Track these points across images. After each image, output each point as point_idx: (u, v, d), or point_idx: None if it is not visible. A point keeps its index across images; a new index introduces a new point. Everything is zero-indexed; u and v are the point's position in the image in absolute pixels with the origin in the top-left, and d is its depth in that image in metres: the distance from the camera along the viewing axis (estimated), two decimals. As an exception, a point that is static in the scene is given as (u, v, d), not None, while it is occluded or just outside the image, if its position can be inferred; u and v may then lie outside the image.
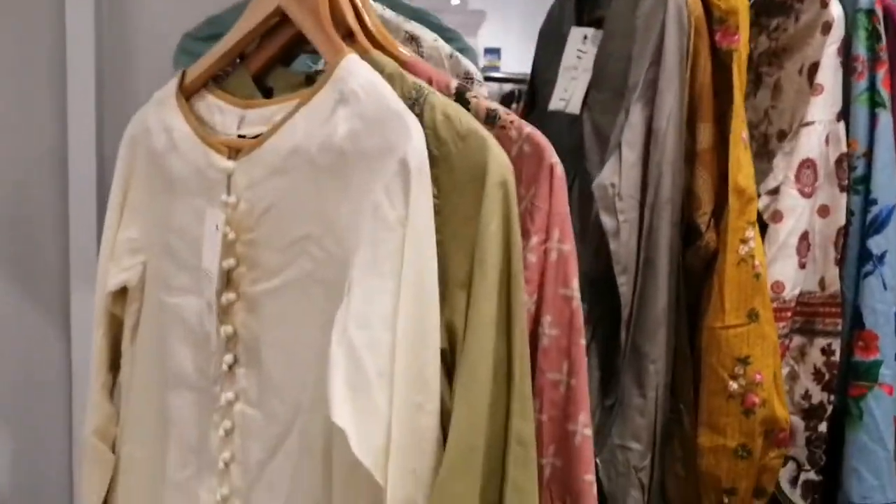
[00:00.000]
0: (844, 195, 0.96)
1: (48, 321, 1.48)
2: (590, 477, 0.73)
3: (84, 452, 1.00)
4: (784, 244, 0.96)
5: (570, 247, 0.73)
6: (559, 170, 0.72)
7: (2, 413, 1.46)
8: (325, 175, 0.72)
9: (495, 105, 0.75)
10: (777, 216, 0.97)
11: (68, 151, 1.43)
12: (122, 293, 0.97)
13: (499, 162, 0.67)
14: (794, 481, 1.00)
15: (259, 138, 0.80)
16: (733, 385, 0.92)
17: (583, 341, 0.73)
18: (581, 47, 1.17)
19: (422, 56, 0.93)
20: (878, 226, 0.95)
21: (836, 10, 0.98)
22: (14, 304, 1.45)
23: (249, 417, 0.83)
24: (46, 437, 1.50)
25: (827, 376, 0.96)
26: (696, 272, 0.96)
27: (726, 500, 0.94)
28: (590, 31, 1.13)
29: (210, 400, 0.87)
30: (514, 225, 0.67)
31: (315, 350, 0.75)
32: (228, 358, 0.84)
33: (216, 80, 0.91)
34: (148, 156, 0.94)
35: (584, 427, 0.73)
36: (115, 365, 1.00)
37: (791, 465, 0.98)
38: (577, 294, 0.73)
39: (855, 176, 0.97)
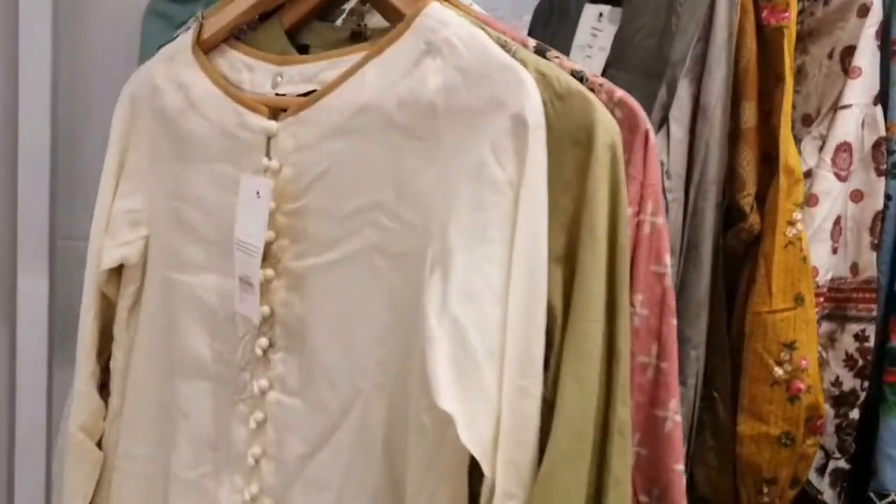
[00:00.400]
0: (882, 179, 0.95)
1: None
2: (680, 467, 0.68)
3: (67, 449, 0.89)
4: (819, 228, 0.95)
5: (662, 220, 0.68)
6: (653, 137, 0.67)
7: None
8: (404, 135, 0.65)
9: (579, 65, 0.69)
10: (812, 199, 0.95)
11: (18, 123, 1.29)
12: (116, 271, 0.87)
13: (606, 124, 0.61)
14: (821, 470, 0.98)
15: (311, 96, 0.71)
16: (778, 371, 0.89)
17: (674, 321, 0.68)
18: (596, 25, 1.13)
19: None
20: (916, 210, 0.94)
21: (873, -7, 0.96)
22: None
23: (287, 408, 0.74)
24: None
25: (860, 363, 0.95)
26: (735, 255, 0.94)
27: (765, 490, 0.91)
28: (605, 8, 1.09)
29: (233, 390, 0.78)
30: (622, 193, 0.61)
31: (380, 330, 0.68)
32: (263, 342, 0.75)
33: (237, 35, 0.82)
34: (154, 117, 0.84)
35: (674, 413, 0.68)
36: (100, 353, 0.91)
37: (819, 454, 0.97)
38: (668, 271, 0.68)
39: (893, 160, 0.96)
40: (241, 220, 0.74)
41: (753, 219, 0.92)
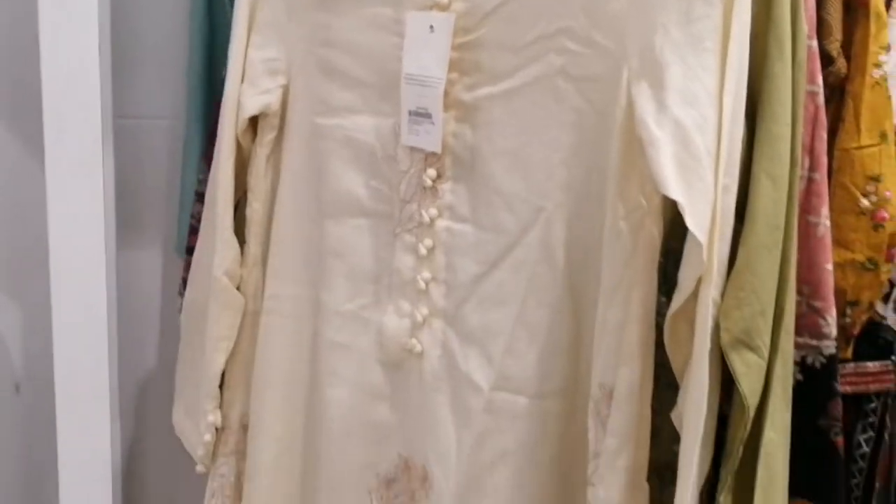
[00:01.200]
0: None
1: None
2: (830, 266, 0.77)
3: (212, 296, 0.93)
4: (890, 74, 1.02)
5: (815, 43, 0.74)
6: (810, -35, 0.73)
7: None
8: (595, -39, 0.69)
9: None
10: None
11: None
12: (252, 122, 0.90)
13: (787, -53, 0.67)
14: (885, 298, 1.08)
15: (483, -68, 0.75)
16: (864, 202, 0.97)
17: (824, 135, 0.76)
18: None
19: None
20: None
21: None
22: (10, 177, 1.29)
23: (456, 233, 0.80)
24: (46, 314, 1.37)
25: (927, 197, 1.05)
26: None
27: (848, 312, 1.01)
28: None
29: (395, 222, 0.83)
30: (801, 12, 0.68)
31: (564, 152, 0.74)
32: (431, 172, 0.80)
33: None
34: (288, -33, 0.86)
35: (825, 219, 0.76)
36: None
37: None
38: (821, 90, 0.75)
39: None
40: (412, 55, 0.78)
41: (840, 63, 0.99)
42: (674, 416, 0.72)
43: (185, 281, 1.22)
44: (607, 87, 0.70)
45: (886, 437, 1.01)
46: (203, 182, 1.18)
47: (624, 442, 0.70)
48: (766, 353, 0.67)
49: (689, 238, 0.65)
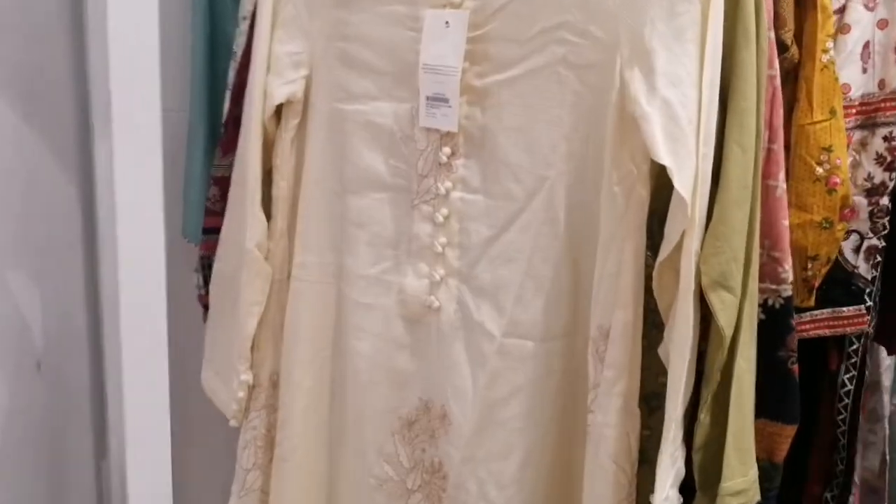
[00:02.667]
0: (903, 6, 1.17)
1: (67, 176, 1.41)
2: (786, 222, 0.90)
3: (244, 265, 1.03)
4: (851, 52, 1.15)
5: (773, 34, 0.87)
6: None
7: (19, 270, 1.40)
8: (590, -36, 0.81)
9: None
10: (845, 28, 1.15)
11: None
12: (277, 108, 1.00)
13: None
14: (856, 249, 1.20)
15: (490, -63, 0.86)
16: (819, 170, 1.11)
17: (781, 112, 0.89)
18: None
19: None
20: (929, 31, 1.16)
21: None
22: (27, 159, 1.36)
23: (469, 202, 0.92)
24: (66, 293, 1.45)
25: (889, 158, 1.16)
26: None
27: (809, 266, 1.14)
28: None
29: (413, 195, 0.94)
30: (763, 5, 0.80)
31: (565, 128, 0.86)
32: (446, 150, 0.91)
33: None
34: (311, -31, 0.96)
35: (782, 182, 0.90)
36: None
37: (854, 237, 1.19)
38: (778, 74, 0.88)
39: (915, -9, 1.18)
40: (429, 47, 0.89)
41: (793, 50, 1.12)
42: (661, 351, 0.84)
43: (202, 259, 1.32)
44: (602, 73, 0.82)
45: (867, 374, 1.16)
46: (218, 167, 1.28)
47: (620, 373, 0.83)
48: (738, 293, 0.80)
49: (675, 197, 0.77)
